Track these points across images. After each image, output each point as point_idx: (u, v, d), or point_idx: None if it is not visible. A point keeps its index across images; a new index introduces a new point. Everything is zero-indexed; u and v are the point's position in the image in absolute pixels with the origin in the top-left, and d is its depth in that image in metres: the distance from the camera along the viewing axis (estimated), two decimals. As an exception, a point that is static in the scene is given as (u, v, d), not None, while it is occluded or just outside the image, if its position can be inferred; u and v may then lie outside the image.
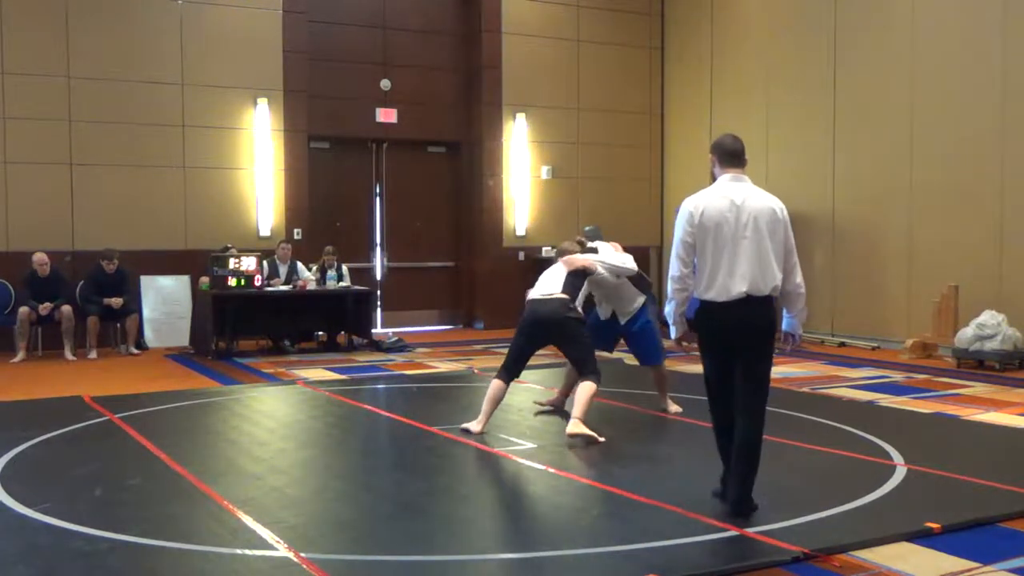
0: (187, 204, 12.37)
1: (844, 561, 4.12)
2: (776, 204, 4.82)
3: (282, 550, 4.26)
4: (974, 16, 10.87)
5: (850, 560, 4.13)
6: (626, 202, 14.90)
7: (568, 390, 7.32)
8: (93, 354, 11.02)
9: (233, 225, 12.55)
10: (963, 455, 6.21)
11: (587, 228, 7.87)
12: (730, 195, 4.76)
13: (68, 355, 10.94)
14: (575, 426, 6.37)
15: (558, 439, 6.56)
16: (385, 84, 13.71)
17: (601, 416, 7.07)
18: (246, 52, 12.63)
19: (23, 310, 10.88)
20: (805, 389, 8.72)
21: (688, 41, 14.81)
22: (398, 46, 13.86)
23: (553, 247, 9.97)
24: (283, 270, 11.86)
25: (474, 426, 6.65)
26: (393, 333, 12.58)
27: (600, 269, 6.90)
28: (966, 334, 10.06)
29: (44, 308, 10.92)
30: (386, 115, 13.80)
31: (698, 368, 7.36)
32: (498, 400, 6.72)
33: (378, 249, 14.06)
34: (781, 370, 9.46)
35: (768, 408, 4.84)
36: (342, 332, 11.94)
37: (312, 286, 11.71)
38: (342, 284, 11.96)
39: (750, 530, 4.49)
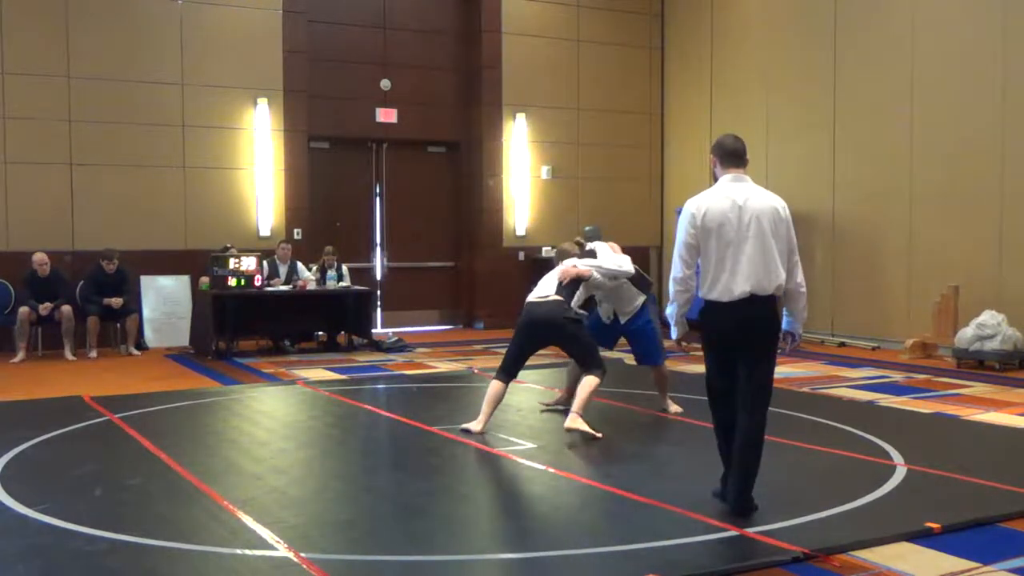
0: (187, 204, 12.37)
1: (844, 561, 4.12)
2: (778, 203, 4.82)
3: (282, 550, 4.26)
4: (974, 16, 10.87)
5: (850, 560, 4.13)
6: (626, 202, 14.90)
7: (572, 388, 7.32)
8: (93, 354, 11.02)
9: (233, 225, 12.55)
10: (963, 455, 6.20)
11: (587, 228, 7.86)
12: (732, 195, 4.76)
13: (68, 355, 10.94)
14: (573, 421, 6.46)
15: (558, 439, 6.56)
16: (385, 84, 13.71)
17: (601, 416, 7.07)
18: (246, 52, 12.63)
19: (23, 310, 10.88)
20: (805, 389, 8.72)
21: (688, 41, 14.81)
22: (398, 46, 13.86)
23: (553, 247, 9.98)
24: (283, 270, 11.86)
25: (474, 426, 6.66)
26: (393, 333, 12.58)
27: (595, 274, 6.93)
28: (966, 334, 10.05)
29: (44, 308, 10.92)
30: (386, 115, 13.80)
31: (698, 368, 7.34)
32: (497, 401, 6.74)
33: (378, 249, 14.06)
34: (781, 370, 9.42)
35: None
36: (342, 332, 11.94)
37: (312, 286, 11.71)
38: (342, 284, 11.96)
39: (750, 530, 4.49)
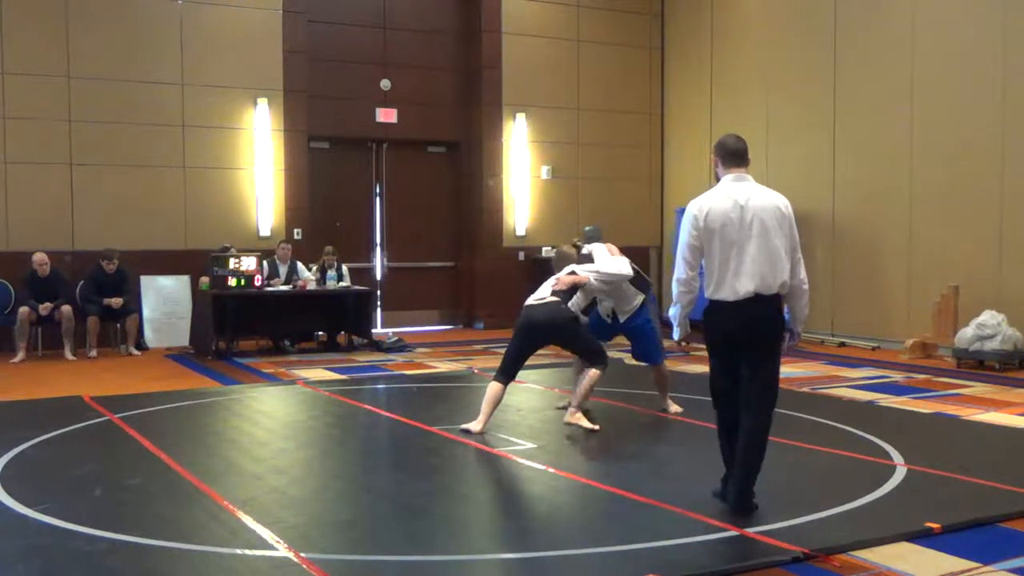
0: (187, 204, 12.37)
1: (844, 561, 4.12)
2: (780, 201, 4.83)
3: (282, 550, 4.26)
4: (974, 16, 10.87)
5: (850, 560, 4.13)
6: (626, 202, 14.90)
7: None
8: (93, 354, 11.02)
9: (233, 225, 12.55)
10: (963, 455, 6.20)
11: (587, 228, 7.86)
12: (734, 195, 4.76)
13: (68, 355, 10.94)
14: (570, 415, 6.69)
15: (558, 439, 6.57)
16: (385, 84, 13.71)
17: (601, 416, 7.08)
18: (246, 52, 12.63)
19: (23, 310, 10.88)
20: (805, 389, 8.72)
21: (688, 41, 14.81)
22: (398, 46, 13.86)
23: (553, 247, 9.97)
24: (283, 270, 11.86)
25: (474, 426, 6.67)
26: (393, 333, 12.58)
27: (593, 280, 6.97)
28: (966, 334, 10.05)
29: (44, 308, 10.92)
30: (386, 115, 13.80)
31: (699, 368, 7.33)
32: (497, 402, 6.76)
33: (378, 249, 14.06)
34: (782, 370, 9.43)
35: (769, 408, 4.84)
36: (342, 332, 11.94)
37: (312, 286, 11.71)
38: (342, 284, 11.96)
39: (750, 530, 4.49)
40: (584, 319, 7.14)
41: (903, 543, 4.34)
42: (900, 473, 5.55)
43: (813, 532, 4.45)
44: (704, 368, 4.98)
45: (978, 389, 8.69)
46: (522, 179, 14.35)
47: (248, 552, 4.25)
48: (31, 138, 11.58)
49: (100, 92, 11.87)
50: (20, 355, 10.77)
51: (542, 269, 9.02)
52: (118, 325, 11.43)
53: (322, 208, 13.40)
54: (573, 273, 6.97)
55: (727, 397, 4.87)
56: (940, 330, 10.67)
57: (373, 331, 12.34)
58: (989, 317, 9.93)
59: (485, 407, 6.71)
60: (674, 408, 7.47)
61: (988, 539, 4.43)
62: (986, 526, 4.61)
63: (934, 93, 11.21)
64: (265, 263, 11.52)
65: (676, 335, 4.96)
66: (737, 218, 4.71)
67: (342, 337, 11.94)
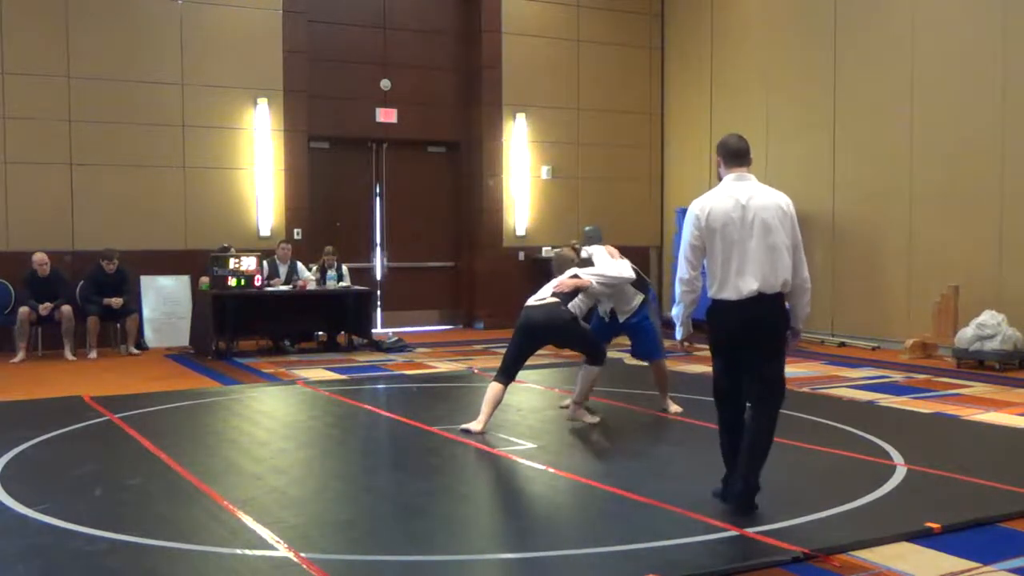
0: (187, 204, 12.37)
1: (844, 561, 4.12)
2: (782, 200, 4.83)
3: (282, 550, 4.26)
4: (974, 16, 10.87)
5: (850, 560, 4.13)
6: (626, 202, 14.90)
7: None
8: (93, 354, 11.02)
9: (233, 225, 12.55)
10: (963, 455, 6.20)
11: (587, 228, 7.86)
12: (735, 194, 4.77)
13: (68, 355, 10.94)
14: (574, 412, 6.89)
15: (558, 439, 6.58)
16: (385, 84, 13.71)
17: (602, 416, 7.09)
18: (246, 52, 12.63)
19: (23, 310, 10.88)
20: (805, 389, 8.71)
21: (688, 41, 14.81)
22: (398, 46, 13.86)
23: (553, 247, 9.98)
24: (283, 270, 11.86)
25: (474, 426, 6.67)
26: (393, 333, 12.58)
27: (595, 284, 7.00)
28: (966, 334, 10.05)
29: (44, 308, 10.92)
30: (386, 115, 13.80)
31: (699, 368, 7.32)
32: (497, 402, 6.77)
33: (378, 249, 14.06)
34: (781, 370, 9.45)
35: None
36: (342, 332, 11.94)
37: (312, 286, 11.71)
38: (342, 284, 11.96)
39: (750, 530, 4.49)
40: (586, 326, 7.15)
41: (903, 543, 4.34)
42: (900, 473, 5.55)
43: (813, 532, 4.45)
44: (704, 368, 5.00)
45: (978, 389, 8.69)
46: (522, 179, 14.35)
47: (248, 552, 4.25)
48: (31, 138, 11.58)
49: (100, 92, 11.87)
50: (20, 355, 10.77)
51: (542, 269, 9.01)
52: (118, 325, 11.43)
53: (322, 208, 13.40)
54: (575, 276, 6.99)
55: (730, 397, 4.87)
56: (940, 330, 10.67)
57: (373, 331, 12.34)
58: (989, 317, 9.93)
59: (485, 407, 6.71)
60: (674, 408, 7.47)
61: (988, 539, 4.43)
62: (986, 526, 4.61)
63: (934, 93, 11.21)
64: (265, 263, 11.52)
65: (679, 335, 4.97)
66: (739, 217, 4.72)
67: (342, 337, 11.94)
